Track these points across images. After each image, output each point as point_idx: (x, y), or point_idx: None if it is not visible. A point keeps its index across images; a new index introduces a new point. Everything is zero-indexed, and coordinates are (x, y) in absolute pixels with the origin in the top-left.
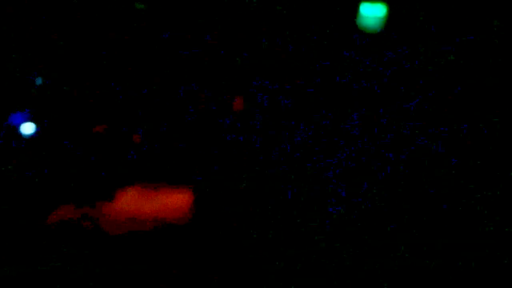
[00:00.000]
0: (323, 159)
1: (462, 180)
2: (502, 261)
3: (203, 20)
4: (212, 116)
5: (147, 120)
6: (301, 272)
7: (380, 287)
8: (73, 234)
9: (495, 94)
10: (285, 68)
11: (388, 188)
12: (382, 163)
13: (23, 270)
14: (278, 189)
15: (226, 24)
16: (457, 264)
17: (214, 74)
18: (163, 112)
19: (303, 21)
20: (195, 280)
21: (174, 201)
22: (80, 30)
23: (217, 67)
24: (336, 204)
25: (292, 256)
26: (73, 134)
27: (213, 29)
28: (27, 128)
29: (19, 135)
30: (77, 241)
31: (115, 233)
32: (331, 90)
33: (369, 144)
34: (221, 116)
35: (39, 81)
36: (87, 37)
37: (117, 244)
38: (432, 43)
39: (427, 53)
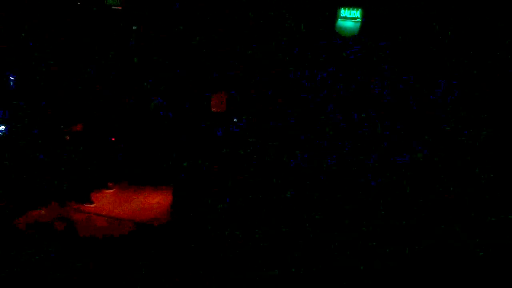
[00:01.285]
0: (303, 157)
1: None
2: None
3: (181, 18)
4: (191, 118)
5: (125, 121)
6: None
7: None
8: (46, 236)
9: (471, 93)
10: (265, 70)
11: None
12: (366, 163)
13: None
14: (257, 188)
15: (206, 25)
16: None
17: (194, 76)
18: (141, 114)
19: (283, 24)
20: (172, 280)
21: (153, 202)
22: (56, 32)
23: (197, 69)
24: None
25: (271, 255)
26: (49, 134)
27: (192, 28)
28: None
29: None
30: (51, 243)
31: (91, 234)
32: (310, 90)
33: (348, 141)
34: (200, 117)
35: None
36: (63, 38)
37: (92, 245)
38: (408, 45)
39: (402, 54)
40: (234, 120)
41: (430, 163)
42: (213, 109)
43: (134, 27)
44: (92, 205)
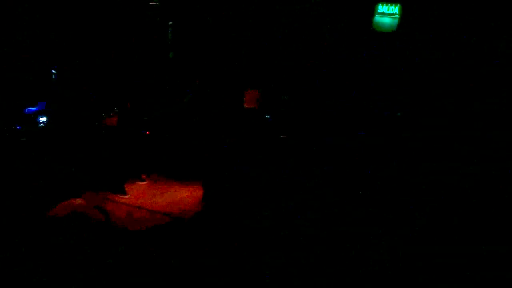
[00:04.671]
0: (330, 155)
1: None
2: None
3: (215, 17)
4: (223, 113)
5: (159, 116)
6: (303, 265)
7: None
8: (84, 225)
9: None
10: (300, 67)
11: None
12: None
13: (34, 259)
14: (286, 184)
15: (241, 22)
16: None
17: (227, 73)
18: (175, 109)
19: (320, 20)
20: (203, 272)
21: (184, 195)
22: (93, 28)
23: (231, 65)
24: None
25: (297, 250)
26: (86, 126)
27: (226, 24)
28: (43, 118)
29: (36, 125)
30: (88, 232)
31: (126, 225)
32: (346, 87)
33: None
34: (232, 113)
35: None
36: (101, 34)
37: (127, 236)
38: (445, 42)
39: (440, 52)
40: (267, 116)
41: None
42: (246, 105)
43: (170, 23)
44: (126, 196)
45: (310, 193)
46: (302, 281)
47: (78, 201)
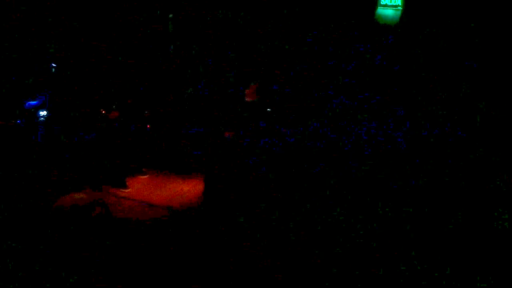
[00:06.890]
0: (328, 152)
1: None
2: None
3: (216, 10)
4: (224, 107)
5: (160, 109)
6: (303, 264)
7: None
8: (84, 219)
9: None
10: (303, 60)
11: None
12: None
13: (34, 253)
14: (286, 180)
15: (241, 14)
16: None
17: (228, 66)
18: (176, 103)
19: (323, 13)
20: (203, 266)
21: (185, 189)
22: (93, 22)
23: (232, 57)
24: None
25: (297, 248)
26: (87, 120)
27: (227, 17)
28: (43, 112)
29: (36, 119)
30: (89, 226)
31: (125, 218)
32: (349, 81)
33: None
34: (232, 107)
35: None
36: (101, 26)
37: (127, 229)
38: (449, 35)
39: (444, 45)
40: (268, 110)
41: None
42: (247, 99)
43: (170, 15)
44: (127, 190)
45: (311, 189)
46: (302, 279)
47: (79, 195)
